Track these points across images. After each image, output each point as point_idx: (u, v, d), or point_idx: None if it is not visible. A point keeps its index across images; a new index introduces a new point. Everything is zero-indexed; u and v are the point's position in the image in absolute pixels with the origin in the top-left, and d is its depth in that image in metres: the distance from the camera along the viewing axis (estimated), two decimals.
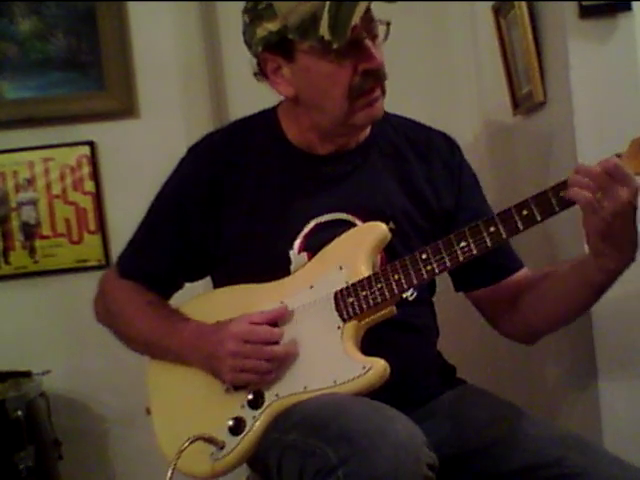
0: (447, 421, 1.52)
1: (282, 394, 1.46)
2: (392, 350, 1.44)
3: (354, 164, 1.60)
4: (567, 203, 1.33)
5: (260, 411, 1.46)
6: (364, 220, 1.55)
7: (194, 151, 1.66)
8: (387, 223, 1.51)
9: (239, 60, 2.53)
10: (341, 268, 1.48)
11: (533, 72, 2.10)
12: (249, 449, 1.47)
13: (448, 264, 1.40)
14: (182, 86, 2.54)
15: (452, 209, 1.63)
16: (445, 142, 1.68)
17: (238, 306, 1.53)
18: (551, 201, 1.33)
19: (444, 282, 1.66)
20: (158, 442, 1.59)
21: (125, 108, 2.51)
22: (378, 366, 1.39)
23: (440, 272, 1.43)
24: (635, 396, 1.93)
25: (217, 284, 1.66)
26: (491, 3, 2.37)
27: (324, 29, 1.40)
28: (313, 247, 1.53)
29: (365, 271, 1.46)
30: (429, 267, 1.41)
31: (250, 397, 1.48)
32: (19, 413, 2.12)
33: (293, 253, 1.55)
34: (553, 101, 2.09)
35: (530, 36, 2.10)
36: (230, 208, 1.58)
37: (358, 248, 1.49)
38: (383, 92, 1.52)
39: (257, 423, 1.46)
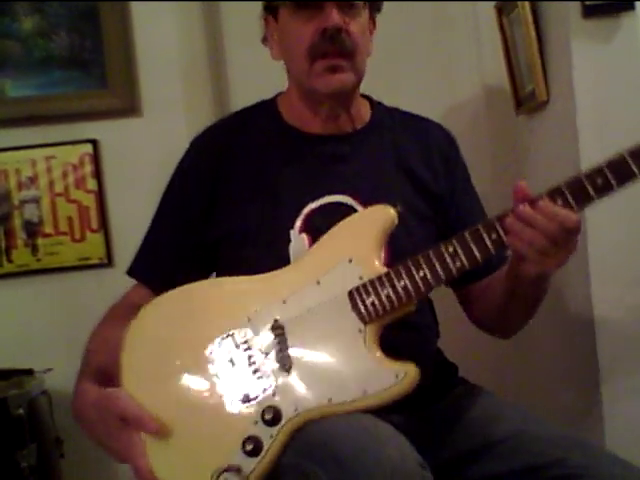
0: (449, 421, 1.52)
1: (302, 408, 1.31)
2: (392, 350, 1.43)
3: (352, 146, 1.60)
4: None
5: (278, 428, 1.31)
6: (365, 204, 1.52)
7: (194, 144, 1.68)
8: (395, 206, 1.45)
9: (241, 59, 2.55)
10: (351, 261, 1.38)
11: (536, 71, 2.10)
12: (267, 471, 1.30)
13: (479, 258, 1.34)
14: (184, 84, 2.54)
15: (446, 199, 1.64)
16: (443, 134, 1.71)
17: (235, 306, 1.42)
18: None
19: None
20: (154, 468, 1.34)
21: (128, 106, 2.51)
22: (412, 373, 1.31)
23: (470, 268, 1.35)
24: (637, 396, 1.93)
25: (220, 275, 1.63)
26: (494, 2, 2.37)
27: None
28: (313, 229, 1.50)
29: (380, 265, 1.38)
30: (458, 263, 1.33)
31: (265, 413, 1.32)
32: (21, 411, 2.12)
33: (294, 232, 1.52)
34: (556, 100, 2.09)
35: (533, 35, 2.10)
36: (232, 193, 1.57)
37: (366, 236, 1.40)
38: (355, 70, 1.54)
39: (275, 442, 1.30)
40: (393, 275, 1.36)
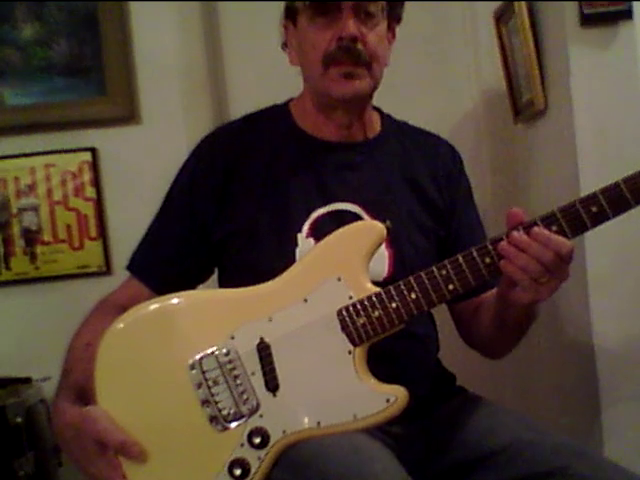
0: (448, 430, 1.51)
1: (290, 430, 1.29)
2: (392, 360, 1.43)
3: (363, 155, 1.60)
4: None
5: (266, 451, 1.29)
6: (371, 213, 1.53)
7: (205, 142, 1.66)
8: (384, 221, 1.45)
9: (241, 67, 2.55)
10: (340, 279, 1.34)
11: (534, 80, 2.11)
12: None
13: (472, 282, 1.32)
14: (184, 93, 2.54)
15: (448, 213, 1.64)
16: (449, 150, 1.71)
17: (217, 322, 1.36)
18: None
19: None
20: None
21: (127, 114, 2.51)
22: (402, 397, 1.30)
23: (463, 292, 1.33)
24: (637, 404, 1.93)
25: (223, 275, 1.63)
26: (492, 11, 2.37)
27: None
28: (320, 235, 1.48)
29: (370, 284, 1.35)
30: (451, 286, 1.31)
31: (253, 436, 1.29)
32: (19, 419, 2.12)
33: (301, 236, 1.51)
34: (554, 109, 2.09)
35: (531, 43, 2.11)
36: (242, 193, 1.56)
37: (355, 253, 1.36)
38: (373, 77, 1.54)
39: (263, 464, 1.28)
40: (384, 296, 1.33)
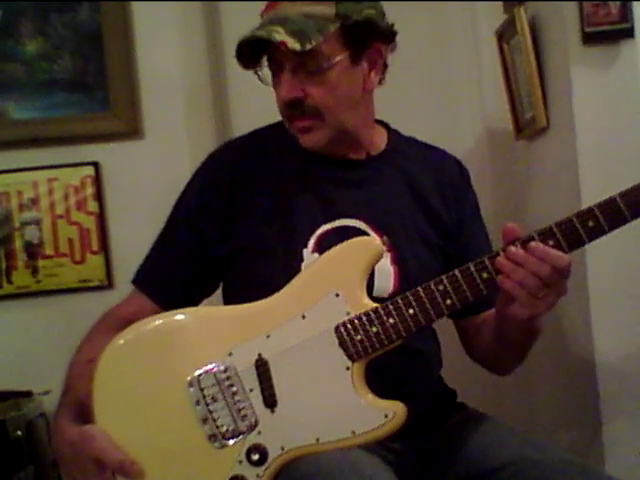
0: (449, 447, 1.51)
1: (289, 447, 1.29)
2: (393, 376, 1.42)
3: (367, 173, 1.61)
4: None
5: (264, 468, 1.29)
6: (376, 229, 1.53)
7: (214, 157, 1.67)
8: (381, 237, 1.46)
9: (244, 82, 2.55)
10: (338, 295, 1.34)
11: (536, 97, 2.11)
12: None
13: (470, 297, 1.32)
14: (187, 108, 2.55)
15: (455, 229, 1.64)
16: (457, 166, 1.71)
17: (215, 338, 1.36)
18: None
19: None
20: None
21: (130, 129, 2.52)
22: (400, 413, 1.29)
23: (461, 307, 1.33)
24: (638, 420, 1.92)
25: (228, 290, 1.63)
26: (494, 29, 2.38)
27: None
28: (325, 250, 1.47)
29: (367, 300, 1.35)
30: (449, 301, 1.31)
31: (251, 454, 1.29)
32: (19, 433, 2.11)
33: (307, 251, 1.52)
34: (556, 127, 2.09)
35: (533, 61, 2.11)
36: (248, 209, 1.57)
37: (353, 269, 1.35)
38: (329, 123, 1.52)
39: None
40: (382, 312, 1.33)
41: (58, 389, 1.50)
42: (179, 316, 1.40)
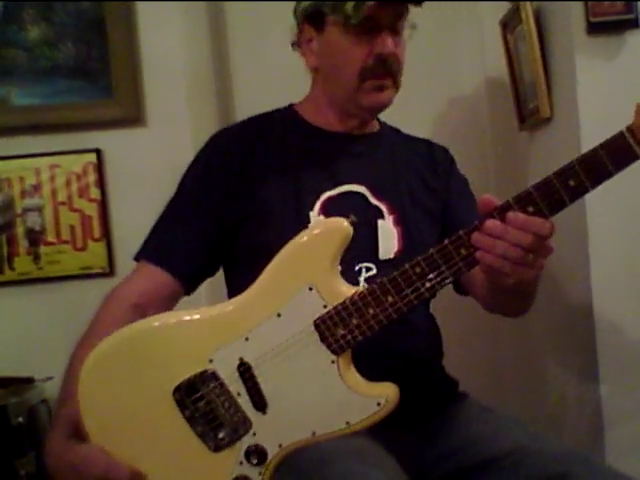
0: (449, 436, 1.51)
1: (286, 443, 1.28)
2: (393, 354, 1.43)
3: (368, 146, 1.67)
4: None
5: (265, 465, 1.28)
6: (377, 195, 1.59)
7: (216, 137, 1.69)
8: (347, 216, 1.35)
9: (247, 69, 2.56)
10: (311, 289, 1.28)
11: (540, 88, 2.11)
12: None
13: (449, 277, 1.23)
14: (189, 95, 2.55)
15: (444, 200, 1.69)
16: (442, 150, 1.78)
17: (193, 346, 1.32)
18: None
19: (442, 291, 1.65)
20: None
21: (132, 116, 2.52)
22: (392, 395, 1.26)
23: (442, 288, 1.25)
24: (638, 409, 1.93)
25: (232, 267, 1.64)
26: (499, 18, 2.37)
27: (349, 6, 1.52)
28: (330, 216, 1.49)
29: (344, 288, 1.29)
30: (428, 284, 1.23)
31: (250, 456, 1.28)
32: (20, 419, 2.12)
33: (313, 214, 1.55)
34: (559, 117, 2.09)
35: (537, 51, 2.11)
36: (255, 179, 1.59)
37: (323, 257, 1.28)
38: (397, 86, 1.61)
39: (265, 477, 1.28)
40: (359, 302, 1.26)
41: (59, 376, 1.50)
42: (156, 323, 1.36)
